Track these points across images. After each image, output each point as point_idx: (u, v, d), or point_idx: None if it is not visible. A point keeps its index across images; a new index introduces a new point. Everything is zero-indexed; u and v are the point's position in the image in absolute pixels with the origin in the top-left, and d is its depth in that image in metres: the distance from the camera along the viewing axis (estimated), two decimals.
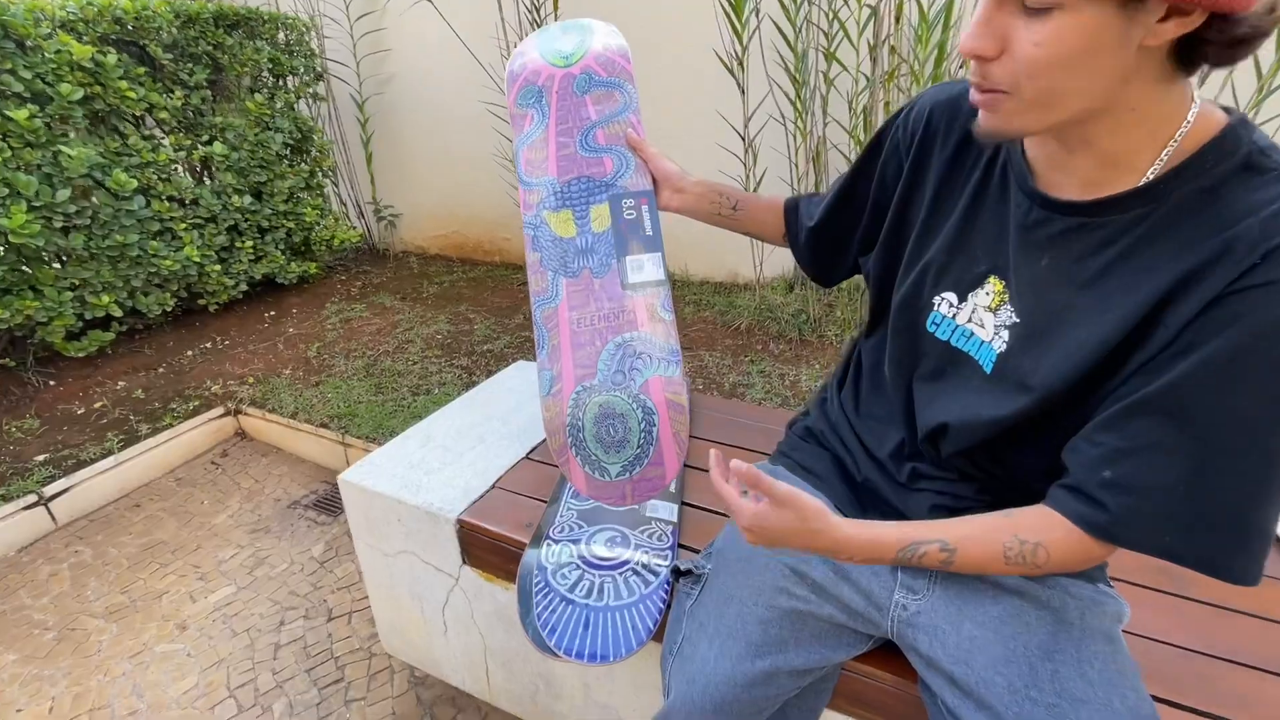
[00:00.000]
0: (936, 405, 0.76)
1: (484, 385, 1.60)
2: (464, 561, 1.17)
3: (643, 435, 0.85)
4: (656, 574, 0.95)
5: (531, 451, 1.31)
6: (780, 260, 2.81)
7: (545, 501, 1.15)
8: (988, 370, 0.70)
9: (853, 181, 0.87)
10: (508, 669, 1.23)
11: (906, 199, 0.79)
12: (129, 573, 1.90)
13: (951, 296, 0.75)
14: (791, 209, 0.96)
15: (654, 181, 0.96)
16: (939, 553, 0.63)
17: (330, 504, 2.16)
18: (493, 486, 1.20)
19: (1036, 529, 0.62)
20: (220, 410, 2.46)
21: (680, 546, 1.03)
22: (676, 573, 0.91)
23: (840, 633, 0.81)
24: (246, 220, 2.83)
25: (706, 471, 0.71)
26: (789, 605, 0.80)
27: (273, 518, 2.11)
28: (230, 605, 1.78)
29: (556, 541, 1.02)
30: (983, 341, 0.72)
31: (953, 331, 0.74)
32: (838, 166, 2.52)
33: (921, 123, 0.76)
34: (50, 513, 2.04)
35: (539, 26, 2.81)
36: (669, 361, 0.87)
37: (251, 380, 2.56)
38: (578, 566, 0.97)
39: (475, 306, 3.10)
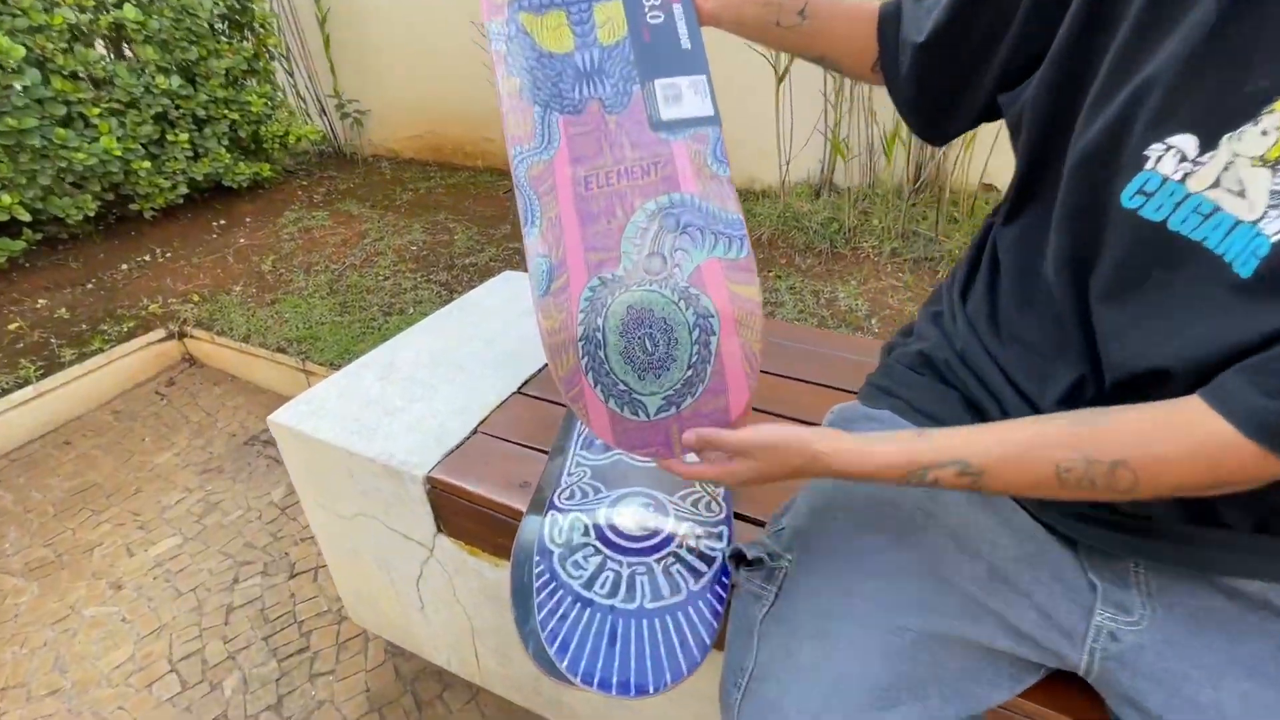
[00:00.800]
0: (1141, 334, 0.46)
1: (463, 299, 1.27)
2: (439, 530, 0.88)
3: (696, 350, 0.56)
4: (710, 560, 0.67)
5: (526, 384, 1.01)
6: (806, 162, 2.43)
7: (546, 453, 0.85)
8: (1244, 273, 0.40)
9: None
10: (501, 654, 0.97)
11: None
12: (55, 521, 1.63)
13: (1185, 143, 0.43)
14: (890, 18, 0.61)
15: None
16: (957, 477, 0.47)
17: None
18: (474, 432, 0.90)
19: (1128, 440, 0.42)
20: (162, 333, 2.12)
21: (736, 517, 0.75)
22: (738, 559, 0.63)
23: (998, 662, 0.54)
24: (178, 108, 2.38)
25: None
26: (926, 626, 0.52)
27: (226, 456, 1.82)
28: (174, 560, 1.52)
29: (564, 511, 0.73)
30: (1237, 222, 0.41)
31: (1176, 206, 0.43)
32: None
33: None
34: None
35: None
36: (731, 237, 0.56)
37: (197, 298, 2.20)
38: (596, 550, 0.68)
39: (455, 215, 2.71)
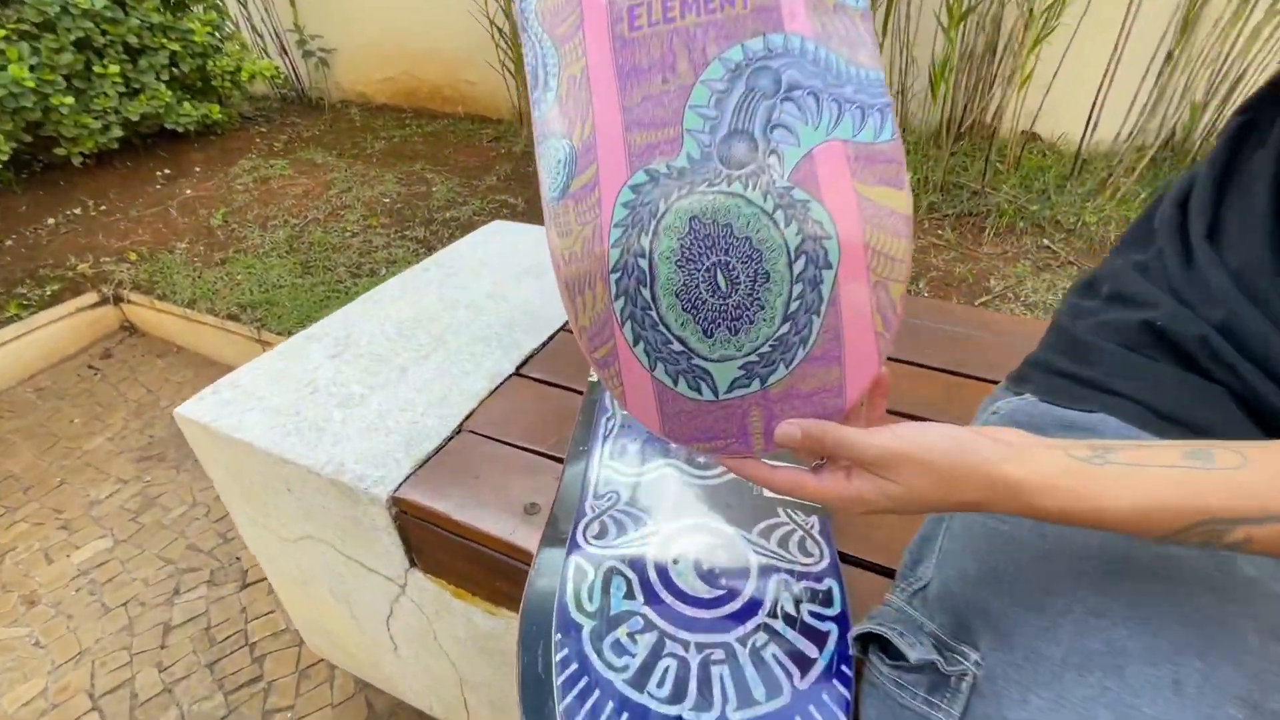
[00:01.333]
0: None
1: (444, 254, 1.02)
2: (412, 564, 0.65)
3: (799, 292, 0.35)
4: (820, 638, 0.45)
5: (527, 362, 0.77)
6: None
7: (560, 461, 0.62)
8: None
9: None
10: (498, 708, 0.75)
11: None
12: None
13: None
14: None
15: None
16: None
17: None
18: (458, 430, 0.66)
19: None
20: (94, 297, 1.84)
21: (843, 558, 0.52)
22: (865, 641, 0.41)
23: None
24: (105, 34, 2.04)
25: None
26: None
27: (171, 440, 1.57)
28: (102, 567, 1.28)
29: (593, 555, 0.50)
30: None
31: None
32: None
33: None
34: None
35: None
36: (866, 107, 0.35)
37: (134, 256, 1.91)
38: (647, 624, 0.45)
39: (433, 165, 2.41)
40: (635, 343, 0.35)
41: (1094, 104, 1.79)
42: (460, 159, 2.49)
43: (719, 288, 0.34)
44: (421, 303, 0.88)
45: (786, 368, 0.35)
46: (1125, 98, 1.82)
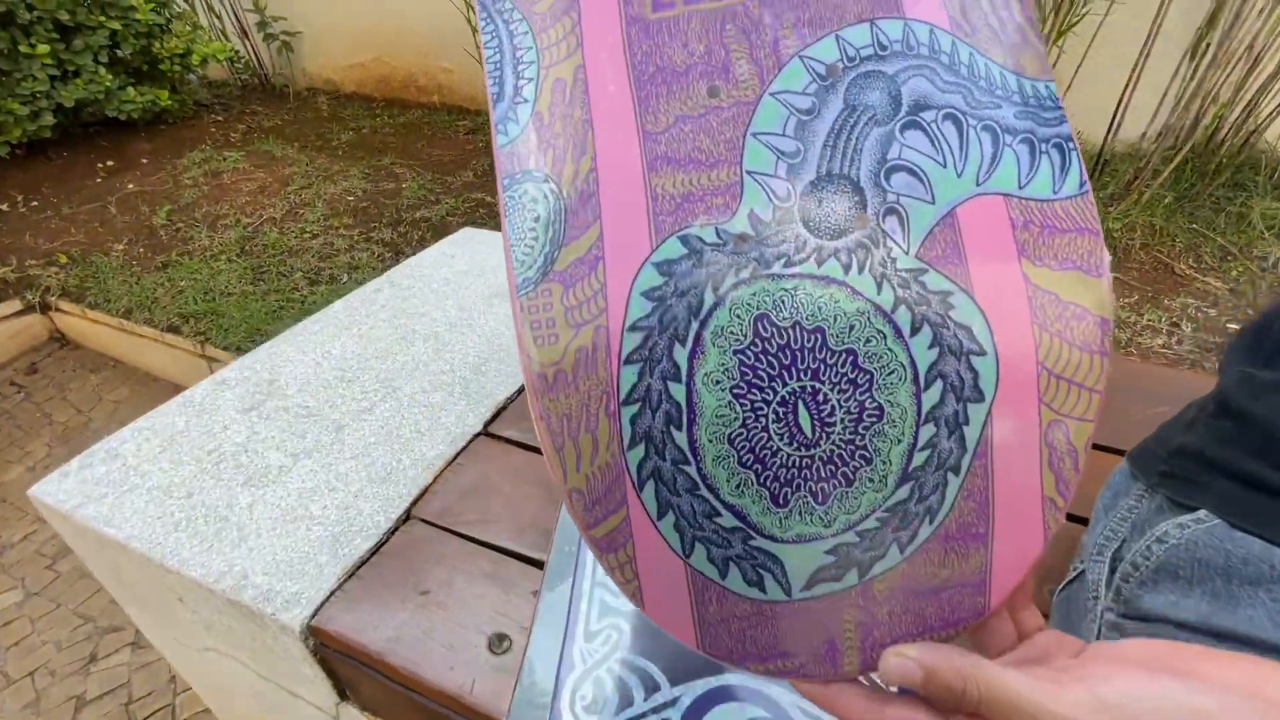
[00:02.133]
0: None
1: (402, 269, 0.86)
2: (342, 698, 0.49)
3: (931, 435, 0.21)
4: None
5: (496, 417, 0.61)
6: None
7: (538, 566, 0.47)
8: None
9: None
10: None
11: None
12: None
13: None
14: None
15: None
16: None
17: None
18: (405, 518, 0.51)
19: None
20: (18, 304, 1.64)
21: None
22: None
23: None
24: (31, 9, 1.83)
25: None
26: None
27: None
28: (9, 627, 1.10)
29: None
30: None
31: None
32: None
33: None
34: None
35: None
36: (1036, 141, 0.22)
37: (64, 259, 1.71)
38: None
39: (404, 159, 2.23)
40: (661, 514, 0.21)
41: (1120, 101, 1.67)
42: (434, 153, 2.31)
43: (800, 431, 0.21)
44: (370, 334, 0.72)
45: (902, 552, 0.22)
46: (1154, 94, 1.69)
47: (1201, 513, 0.34)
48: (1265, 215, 1.62)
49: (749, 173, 0.22)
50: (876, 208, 0.21)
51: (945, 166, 0.21)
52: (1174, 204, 1.68)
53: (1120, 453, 0.45)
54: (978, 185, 0.22)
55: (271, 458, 0.55)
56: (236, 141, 2.35)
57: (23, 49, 1.84)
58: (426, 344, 0.71)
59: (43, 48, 1.85)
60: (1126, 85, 1.65)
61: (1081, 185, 0.22)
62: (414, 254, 1.67)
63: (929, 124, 0.22)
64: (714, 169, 0.22)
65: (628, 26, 0.23)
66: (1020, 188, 0.22)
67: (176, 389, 1.60)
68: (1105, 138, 1.72)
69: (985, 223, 0.21)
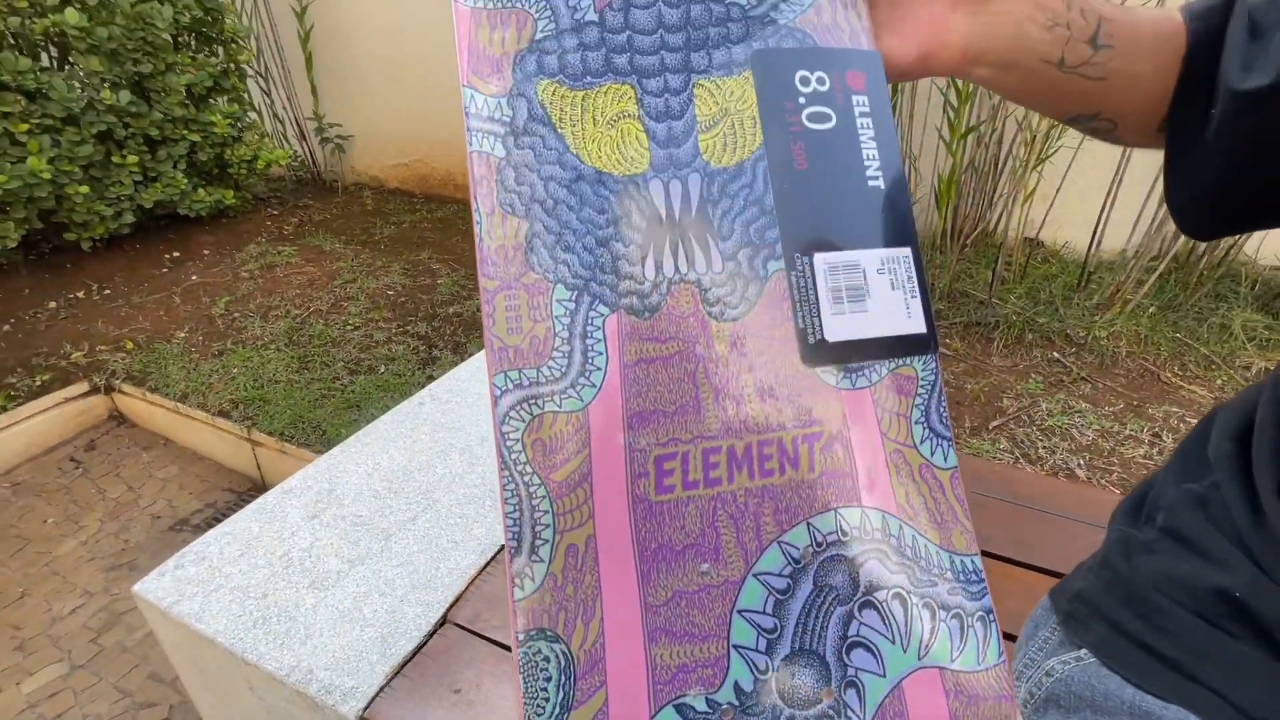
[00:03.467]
0: None
1: (437, 387, 0.98)
2: None
3: None
4: None
5: None
6: None
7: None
8: None
9: None
10: None
11: None
12: None
13: None
14: (1204, 44, 0.35)
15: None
16: None
17: None
18: (442, 621, 0.60)
19: None
20: (84, 387, 1.80)
21: None
22: None
23: None
24: (127, 126, 2.09)
25: None
26: None
27: (145, 546, 1.49)
28: (54, 699, 1.18)
29: None
30: None
31: None
32: (934, 80, 1.87)
33: None
34: None
35: None
36: (965, 616, 0.28)
37: (131, 345, 1.89)
38: None
39: (440, 254, 2.43)
40: None
41: (1098, 219, 1.81)
42: (467, 248, 2.51)
43: None
44: (414, 447, 0.83)
45: None
46: (1130, 213, 1.83)
47: (1083, 651, 0.42)
48: (1246, 326, 1.71)
49: (735, 646, 0.26)
50: (839, 680, 0.26)
51: (894, 643, 0.26)
52: (1158, 314, 1.78)
53: (1059, 575, 0.53)
54: (919, 660, 0.26)
55: (330, 563, 0.65)
56: (289, 235, 2.58)
57: (115, 159, 2.09)
58: (461, 457, 0.82)
59: (132, 158, 2.11)
60: (1103, 205, 1.79)
61: (999, 655, 0.27)
62: (448, 351, 1.81)
63: (881, 603, 0.26)
64: (705, 642, 0.26)
65: (634, 505, 0.26)
66: (951, 661, 0.27)
67: (220, 468, 1.73)
68: (1089, 249, 1.85)
69: (926, 693, 0.26)
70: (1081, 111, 0.38)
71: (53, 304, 2.04)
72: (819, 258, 0.29)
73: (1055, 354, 1.72)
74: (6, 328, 1.92)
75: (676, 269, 0.28)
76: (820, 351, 0.28)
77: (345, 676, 0.55)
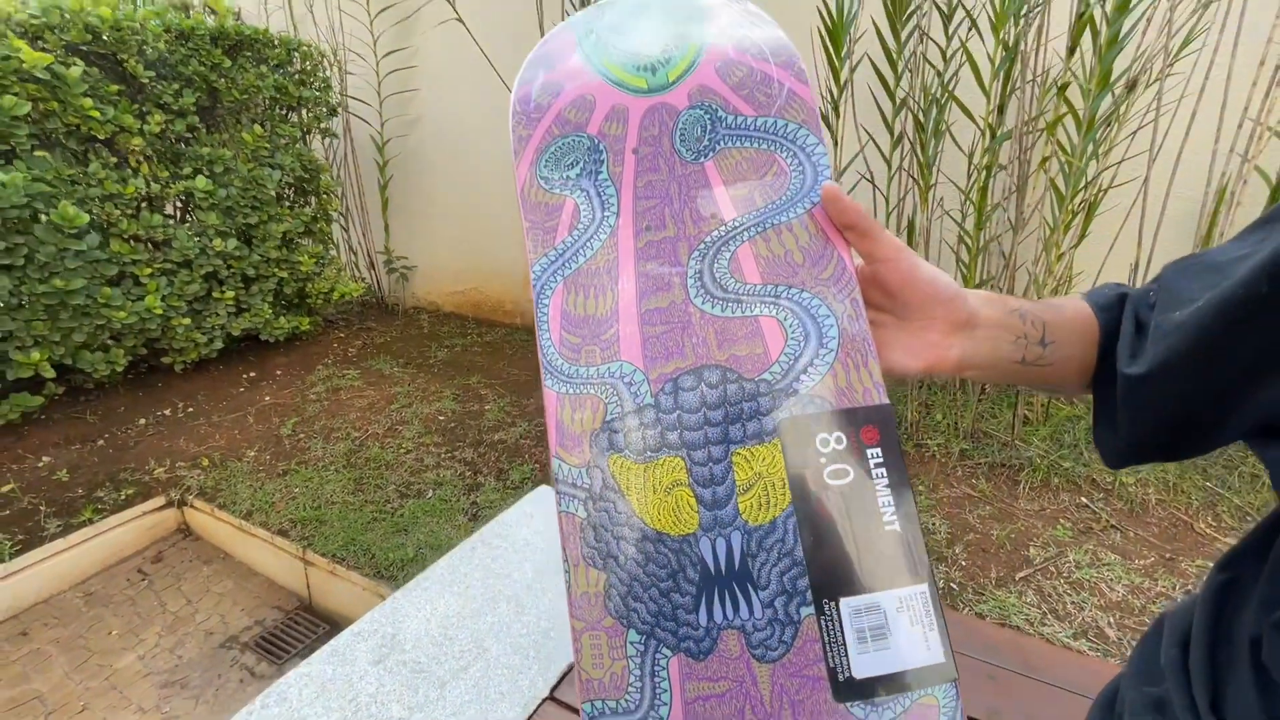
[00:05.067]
0: None
1: (488, 531, 1.08)
2: None
3: None
4: None
5: (559, 684, 0.78)
6: None
7: None
8: None
9: (1248, 306, 0.39)
10: None
11: None
12: None
13: None
14: (1106, 342, 0.47)
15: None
16: None
17: (277, 645, 1.62)
18: None
19: None
20: (160, 501, 1.96)
21: None
22: None
23: None
24: (229, 267, 2.41)
25: None
26: None
27: (197, 663, 1.57)
28: None
29: None
30: None
31: None
32: (945, 238, 2.05)
33: None
34: None
35: None
36: None
37: (206, 462, 2.06)
38: None
39: (488, 379, 2.61)
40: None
41: None
42: (513, 371, 2.70)
43: None
44: (466, 594, 0.92)
45: None
46: None
47: None
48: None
49: None
50: None
51: None
52: (1186, 460, 1.80)
53: None
54: None
55: (394, 710, 0.74)
56: (354, 357, 2.82)
57: (215, 295, 2.39)
58: (509, 605, 0.91)
59: (230, 294, 2.40)
60: None
61: None
62: (491, 477, 1.93)
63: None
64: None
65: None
66: None
67: (272, 584, 1.82)
68: None
69: None
70: (1038, 387, 0.50)
71: (143, 420, 2.26)
72: (844, 602, 0.34)
73: (1083, 499, 1.74)
74: (102, 442, 2.13)
75: (725, 615, 0.34)
76: (850, 689, 0.33)
77: None
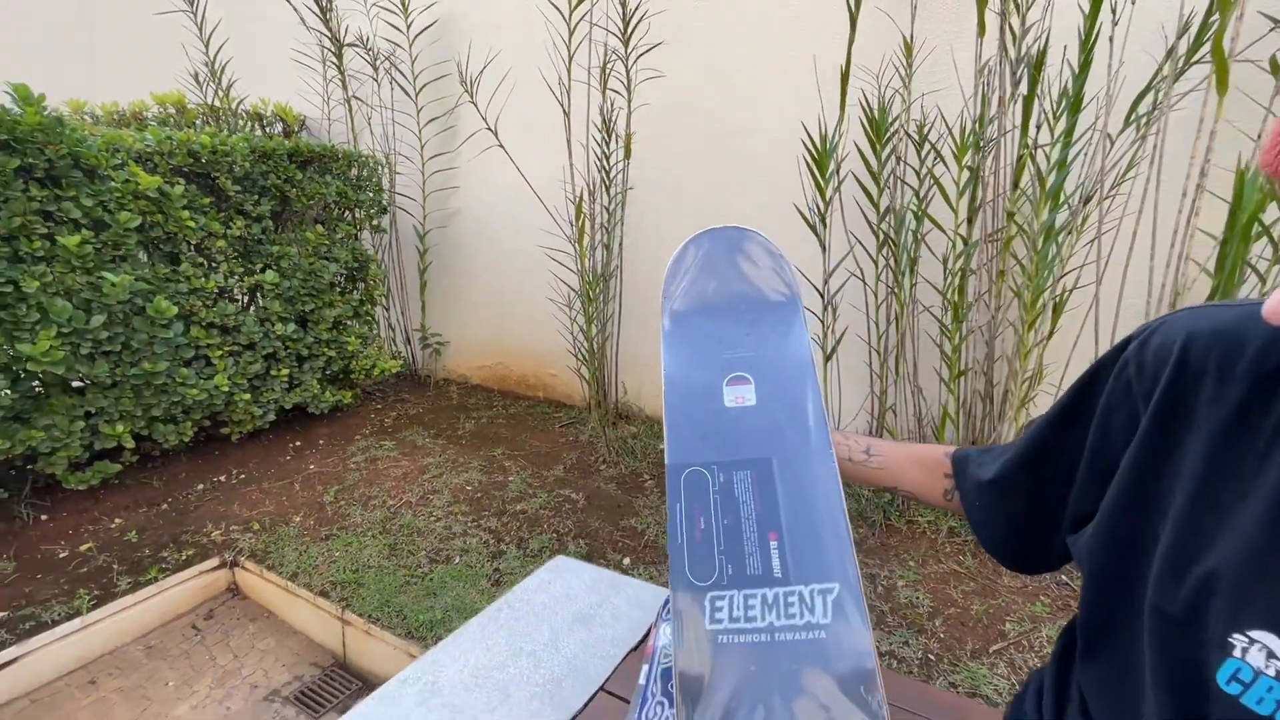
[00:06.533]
0: None
1: (511, 596, 1.27)
2: None
3: None
4: None
5: None
6: (857, 425, 2.49)
7: None
8: None
9: (1055, 429, 0.60)
10: None
11: (1151, 461, 0.51)
12: None
13: (1269, 640, 0.43)
14: (961, 460, 0.68)
15: None
16: None
17: (316, 698, 1.78)
18: None
19: None
20: (215, 561, 2.17)
21: None
22: None
23: None
24: (287, 349, 2.71)
25: None
26: None
27: (242, 714, 1.73)
28: None
29: None
30: None
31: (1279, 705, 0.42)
32: (925, 329, 2.26)
33: (1170, 359, 0.51)
34: None
35: (607, 174, 2.77)
36: None
37: (257, 526, 2.28)
38: None
39: (512, 450, 2.83)
40: None
41: None
42: (535, 443, 2.91)
43: None
44: (492, 650, 1.10)
45: None
46: None
47: None
48: None
49: None
50: None
51: None
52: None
53: None
54: None
55: None
56: (389, 428, 3.07)
57: (272, 372, 2.67)
58: (529, 659, 1.08)
59: (284, 372, 2.69)
60: (828, 407, 2.02)
61: None
62: (513, 545, 2.11)
63: None
64: None
65: None
66: None
67: (310, 643, 1.99)
68: None
69: None
70: (885, 486, 0.70)
71: (201, 486, 2.50)
72: None
73: (1064, 577, 1.85)
74: (166, 506, 2.37)
75: None
76: None
77: None
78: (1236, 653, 0.43)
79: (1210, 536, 0.47)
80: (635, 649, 1.11)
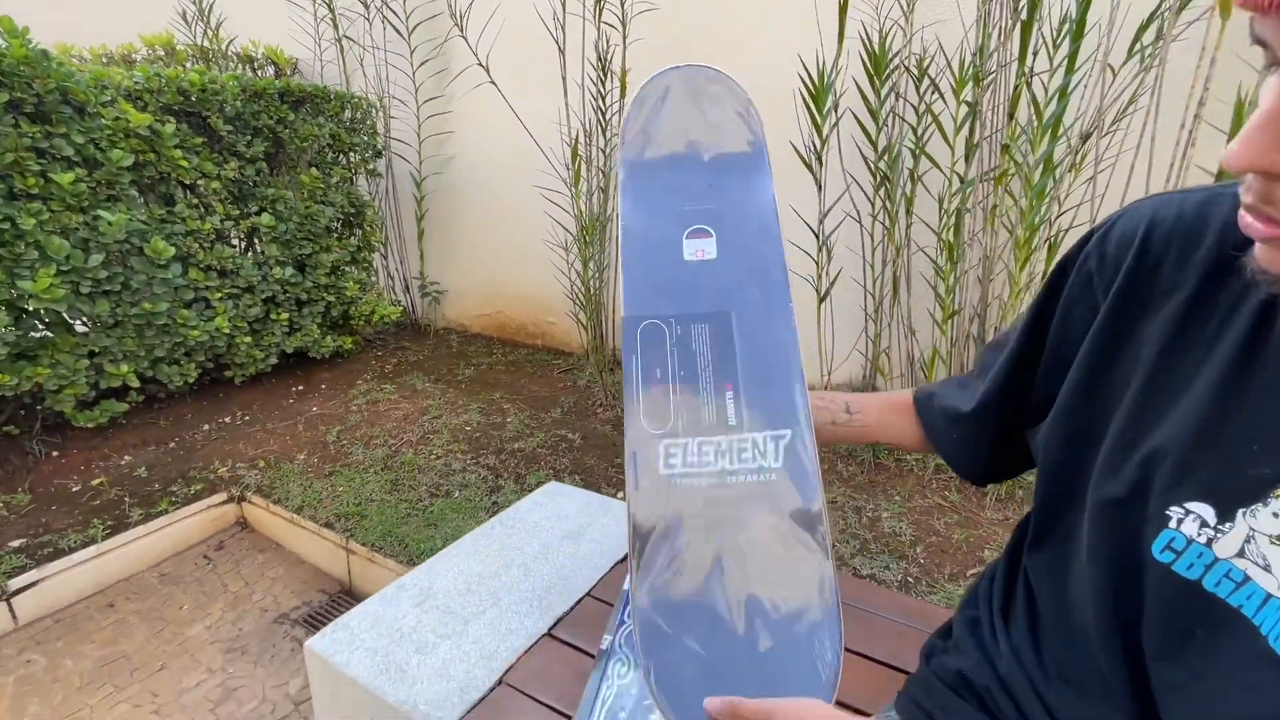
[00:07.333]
0: (1197, 700, 0.45)
1: (507, 514, 1.32)
2: None
3: None
4: None
5: (557, 624, 1.01)
6: (850, 368, 2.52)
7: (569, 718, 0.83)
8: (1278, 649, 0.41)
9: (1027, 336, 0.61)
10: None
11: (1105, 352, 0.53)
12: (78, 695, 1.62)
13: (1204, 511, 0.46)
14: (925, 399, 0.70)
15: None
16: None
17: (322, 622, 1.87)
18: (499, 683, 0.90)
19: None
20: (223, 496, 2.24)
21: None
22: None
23: None
24: (286, 292, 2.72)
25: None
26: None
27: (254, 634, 1.82)
28: None
29: None
30: (1268, 595, 0.42)
31: (1208, 568, 0.45)
32: (920, 270, 2.26)
33: (1131, 247, 0.51)
34: (12, 610, 1.80)
35: (603, 114, 2.72)
36: None
37: (262, 464, 2.34)
38: None
39: (510, 395, 2.87)
40: None
41: None
42: (533, 388, 2.96)
43: None
44: (485, 560, 1.16)
45: None
46: None
47: (892, 712, 0.68)
48: None
49: None
50: None
51: None
52: None
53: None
54: None
55: (429, 637, 0.97)
56: (390, 373, 3.11)
57: (272, 316, 2.70)
58: (519, 570, 1.14)
59: (284, 315, 2.71)
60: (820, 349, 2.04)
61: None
62: (510, 480, 2.16)
63: None
64: None
65: None
66: None
67: (318, 572, 2.08)
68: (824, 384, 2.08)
69: None
70: (868, 443, 0.73)
71: (207, 426, 2.56)
72: None
73: None
74: (173, 444, 2.43)
75: None
76: None
77: (439, 711, 0.85)
78: (1172, 524, 0.46)
79: (1158, 418, 0.48)
80: (622, 560, 1.16)
